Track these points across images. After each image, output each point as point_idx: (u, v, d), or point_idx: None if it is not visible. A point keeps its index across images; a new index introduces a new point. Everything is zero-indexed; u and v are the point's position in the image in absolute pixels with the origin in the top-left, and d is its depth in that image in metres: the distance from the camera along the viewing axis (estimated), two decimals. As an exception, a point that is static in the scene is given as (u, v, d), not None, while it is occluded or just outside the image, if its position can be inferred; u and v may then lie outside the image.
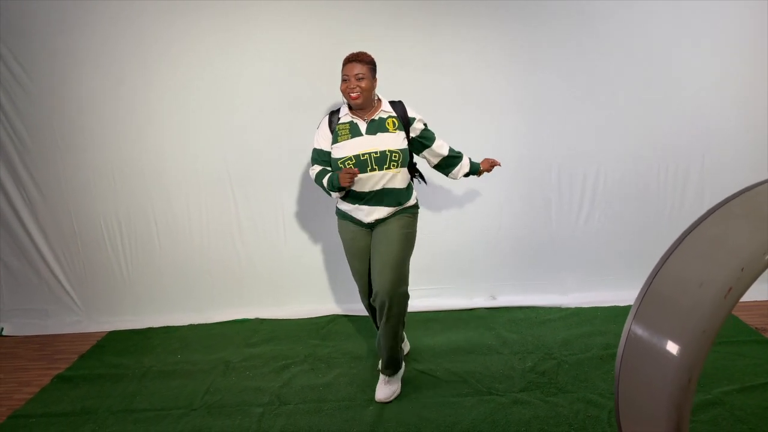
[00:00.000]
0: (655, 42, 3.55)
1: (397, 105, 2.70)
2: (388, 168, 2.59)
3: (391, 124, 2.64)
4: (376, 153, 2.57)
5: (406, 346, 3.23)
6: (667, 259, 1.09)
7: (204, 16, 3.53)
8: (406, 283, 2.72)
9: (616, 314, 3.63)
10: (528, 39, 3.57)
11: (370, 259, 2.76)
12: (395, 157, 2.59)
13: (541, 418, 2.58)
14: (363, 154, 2.56)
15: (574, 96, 3.65)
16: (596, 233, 3.83)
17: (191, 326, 3.87)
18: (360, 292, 2.95)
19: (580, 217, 3.81)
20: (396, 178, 2.63)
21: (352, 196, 2.66)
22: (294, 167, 3.71)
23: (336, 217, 2.85)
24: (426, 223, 2.81)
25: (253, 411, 2.80)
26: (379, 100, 2.70)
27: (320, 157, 2.70)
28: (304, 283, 3.95)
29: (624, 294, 3.72)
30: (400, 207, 2.70)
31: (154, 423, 2.75)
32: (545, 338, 3.38)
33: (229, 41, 3.57)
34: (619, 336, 3.30)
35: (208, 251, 3.89)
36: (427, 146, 2.80)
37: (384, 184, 2.61)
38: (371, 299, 2.75)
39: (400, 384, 2.90)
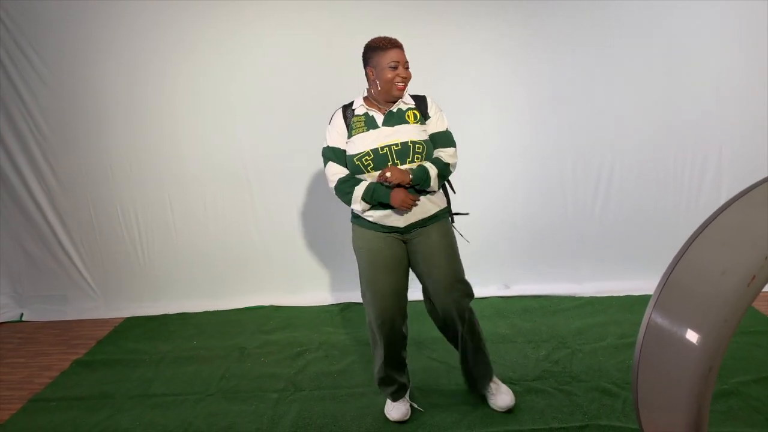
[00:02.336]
0: (674, 30, 3.50)
1: (419, 99, 2.40)
2: (412, 162, 2.27)
3: (411, 116, 2.33)
4: (396, 145, 2.25)
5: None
6: (689, 247, 1.07)
7: (220, 4, 3.53)
8: (471, 288, 2.50)
9: (631, 304, 3.61)
10: (545, 27, 3.54)
11: (401, 275, 2.42)
12: (419, 149, 2.27)
13: (555, 407, 2.58)
14: (382, 148, 2.24)
15: (590, 84, 3.61)
16: (612, 222, 3.80)
17: (207, 313, 3.91)
18: (374, 320, 2.40)
19: (595, 206, 3.79)
20: None
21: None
22: (309, 156, 3.70)
23: (352, 225, 2.46)
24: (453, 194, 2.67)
25: (268, 397, 2.83)
26: None
27: (336, 156, 2.33)
28: (318, 271, 3.97)
29: (639, 284, 3.69)
30: (438, 207, 2.40)
31: (171, 407, 2.79)
32: (559, 327, 3.37)
33: (246, 31, 3.59)
34: (633, 325, 3.30)
35: (223, 239, 3.91)
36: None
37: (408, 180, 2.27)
38: (439, 323, 2.51)
39: None
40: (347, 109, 2.38)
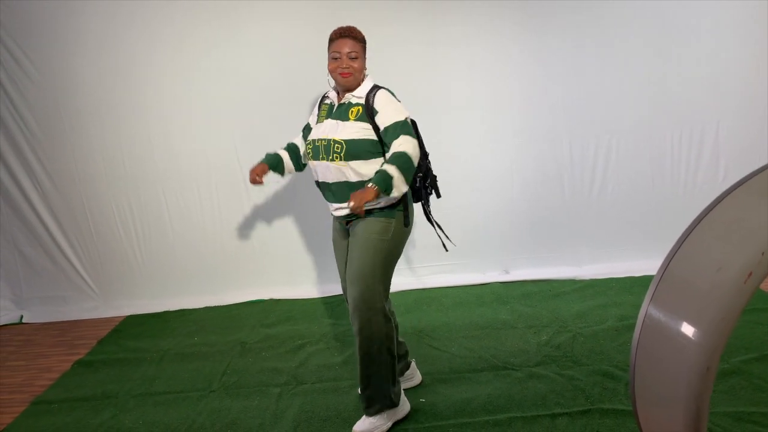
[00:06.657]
0: (669, 6, 3.45)
1: (371, 92, 2.30)
2: (332, 159, 2.27)
3: (354, 113, 2.29)
4: (324, 140, 2.30)
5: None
6: (685, 240, 1.04)
7: (211, 2, 3.49)
8: (379, 302, 2.26)
9: (630, 285, 3.60)
10: (538, 8, 3.50)
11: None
12: (337, 148, 2.25)
13: (558, 392, 2.58)
14: (318, 140, 2.33)
15: (585, 64, 3.58)
16: (610, 204, 3.78)
17: (207, 308, 3.91)
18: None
19: (593, 187, 3.76)
20: (346, 171, 2.27)
21: (322, 189, 2.44)
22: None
23: None
24: (437, 198, 2.64)
25: (270, 391, 2.82)
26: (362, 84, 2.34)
27: (303, 130, 2.64)
28: (317, 263, 3.96)
29: (639, 264, 3.69)
30: (373, 206, 2.25)
31: (174, 405, 2.79)
32: (560, 311, 3.36)
33: (237, 27, 3.55)
34: (634, 307, 3.29)
35: (221, 233, 3.90)
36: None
37: (338, 177, 2.29)
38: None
39: (388, 424, 2.41)
40: (324, 96, 2.49)
